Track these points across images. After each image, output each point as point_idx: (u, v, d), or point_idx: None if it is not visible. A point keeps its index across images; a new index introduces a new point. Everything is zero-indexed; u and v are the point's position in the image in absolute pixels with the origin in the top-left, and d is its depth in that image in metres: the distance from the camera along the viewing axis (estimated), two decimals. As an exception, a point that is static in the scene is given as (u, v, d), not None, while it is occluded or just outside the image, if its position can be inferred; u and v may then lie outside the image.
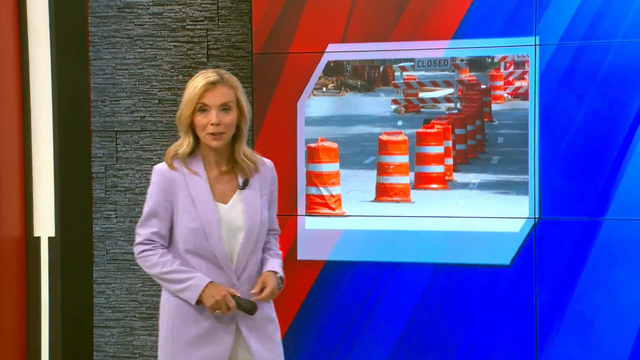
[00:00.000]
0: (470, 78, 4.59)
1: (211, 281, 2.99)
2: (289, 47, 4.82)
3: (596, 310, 4.38)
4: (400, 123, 4.69)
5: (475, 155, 4.58)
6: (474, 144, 4.58)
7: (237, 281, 3.05)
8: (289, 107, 4.84)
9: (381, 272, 4.70)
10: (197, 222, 2.99)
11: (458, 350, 4.57)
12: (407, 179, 4.66)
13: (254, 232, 3.05)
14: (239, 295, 3.02)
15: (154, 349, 5.03)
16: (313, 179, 4.79)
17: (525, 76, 4.48)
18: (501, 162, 4.52)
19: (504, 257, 4.51)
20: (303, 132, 4.82)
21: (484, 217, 4.53)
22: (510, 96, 4.52)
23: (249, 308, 3.03)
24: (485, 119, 4.56)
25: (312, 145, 4.80)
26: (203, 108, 3.00)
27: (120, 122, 5.10)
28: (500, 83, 4.54)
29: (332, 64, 4.77)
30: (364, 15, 4.71)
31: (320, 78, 4.79)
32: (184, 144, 3.05)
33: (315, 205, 4.79)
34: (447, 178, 4.60)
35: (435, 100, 4.67)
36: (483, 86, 4.57)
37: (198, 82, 3.01)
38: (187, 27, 5.05)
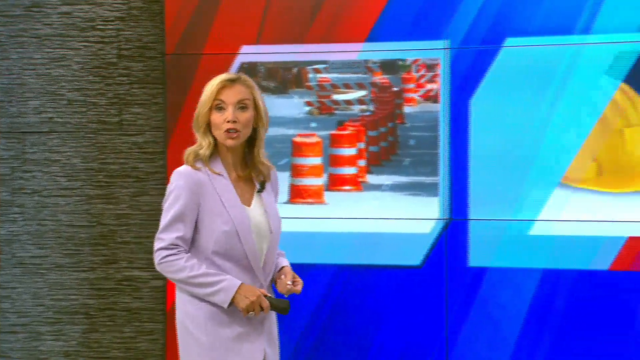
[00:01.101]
0: (383, 80, 4.65)
1: (242, 283, 2.93)
2: (203, 48, 4.79)
3: (503, 310, 4.47)
4: (314, 125, 4.71)
5: (388, 157, 4.63)
6: (387, 145, 4.63)
7: (264, 282, 3.02)
8: (202, 108, 4.80)
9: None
10: (229, 224, 2.94)
11: (370, 350, 4.61)
12: (321, 181, 4.68)
13: (279, 234, 3.07)
14: (270, 295, 2.98)
15: (61, 354, 4.93)
16: (226, 180, 4.77)
17: (437, 79, 4.55)
18: (413, 164, 4.58)
19: (415, 257, 4.56)
20: (216, 134, 4.79)
21: (396, 218, 4.59)
22: (422, 99, 4.59)
23: (284, 307, 2.98)
24: (397, 121, 4.62)
25: (226, 146, 4.78)
26: (220, 106, 2.98)
27: (27, 123, 4.99)
28: (413, 86, 4.61)
29: (245, 66, 4.76)
30: (278, 17, 4.72)
31: (231, 79, 4.77)
32: (204, 145, 3.01)
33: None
34: (360, 180, 4.64)
35: (348, 102, 4.71)
36: (395, 88, 4.63)
37: (215, 80, 3.02)
38: (97, 27, 4.98)
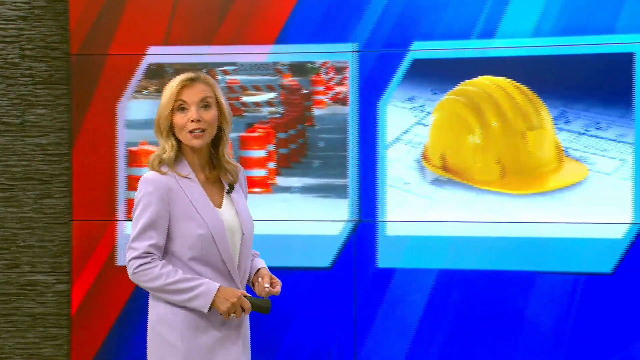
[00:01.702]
0: (293, 83, 4.67)
1: (221, 285, 2.85)
2: (109, 48, 4.73)
3: (411, 309, 4.54)
4: (223, 127, 4.70)
5: (297, 159, 4.65)
6: (297, 148, 4.65)
7: (240, 285, 2.93)
8: (109, 109, 4.74)
9: (204, 276, 4.68)
10: (203, 228, 2.84)
11: (279, 350, 4.62)
12: (230, 183, 4.67)
13: (251, 235, 2.96)
14: (249, 295, 2.89)
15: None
16: (134, 183, 4.71)
17: (345, 81, 4.60)
18: (322, 166, 4.62)
19: (325, 259, 4.60)
20: (124, 136, 4.73)
21: (306, 220, 4.61)
22: (331, 101, 4.63)
23: (265, 307, 2.89)
24: (307, 124, 4.65)
25: (134, 148, 4.73)
26: (182, 106, 2.86)
27: None
28: (322, 88, 4.64)
29: (153, 67, 4.71)
30: (186, 18, 4.69)
31: (141, 81, 4.73)
32: (167, 148, 2.88)
33: (136, 209, 4.71)
34: (270, 182, 4.65)
35: (258, 104, 4.71)
36: (305, 91, 4.66)
37: (174, 81, 2.89)
38: (-2, 26, 4.86)
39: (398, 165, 4.55)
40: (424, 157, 4.54)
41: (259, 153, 4.67)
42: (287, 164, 4.66)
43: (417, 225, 4.51)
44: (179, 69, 4.71)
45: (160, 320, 2.87)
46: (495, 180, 4.46)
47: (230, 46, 4.68)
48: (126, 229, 4.72)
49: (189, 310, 2.84)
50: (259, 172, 4.64)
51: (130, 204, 4.72)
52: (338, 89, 4.61)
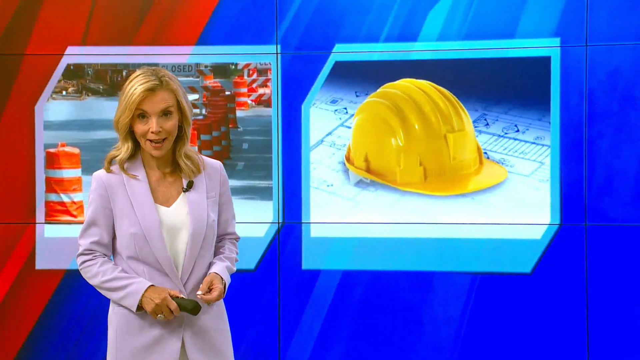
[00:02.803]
0: (215, 84, 4.64)
1: (152, 285, 2.82)
2: (25, 48, 4.62)
3: (334, 308, 4.58)
4: (144, 128, 4.64)
5: (221, 161, 4.60)
6: (220, 150, 4.63)
7: (183, 287, 2.88)
8: (26, 110, 4.64)
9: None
10: (136, 226, 2.83)
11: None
12: (152, 185, 4.63)
13: (199, 235, 2.88)
14: (182, 296, 2.84)
15: None
16: (53, 185, 4.63)
17: (268, 83, 4.59)
18: (246, 168, 4.61)
19: (250, 261, 4.60)
20: (42, 137, 4.64)
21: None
22: (254, 103, 4.62)
23: (191, 308, 2.82)
24: (230, 125, 4.63)
25: (52, 150, 4.64)
26: (142, 114, 2.83)
27: None
28: (244, 90, 4.63)
29: (72, 67, 4.63)
30: (104, 18, 4.62)
31: (59, 81, 4.64)
32: (123, 149, 2.88)
33: (56, 212, 4.63)
34: (192, 184, 4.61)
35: (180, 106, 4.66)
36: (227, 93, 4.63)
37: (135, 88, 2.82)
38: None
39: (322, 167, 4.57)
40: (348, 159, 4.58)
41: (181, 155, 4.63)
42: (210, 166, 4.63)
43: (341, 227, 4.55)
44: (98, 69, 4.64)
45: (109, 319, 2.93)
46: (418, 182, 4.52)
47: (150, 47, 4.62)
48: (45, 232, 4.63)
49: (126, 312, 2.86)
50: (181, 175, 4.60)
51: (48, 206, 4.63)
52: (261, 90, 4.61)
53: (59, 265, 4.65)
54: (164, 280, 2.86)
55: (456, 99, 4.51)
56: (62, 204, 4.63)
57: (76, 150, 4.64)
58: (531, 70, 4.41)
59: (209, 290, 2.87)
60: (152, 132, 2.83)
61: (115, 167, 2.90)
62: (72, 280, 4.64)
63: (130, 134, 2.89)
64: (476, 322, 4.49)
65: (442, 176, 4.51)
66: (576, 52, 4.37)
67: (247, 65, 4.62)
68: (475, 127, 4.50)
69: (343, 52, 4.55)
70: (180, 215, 2.89)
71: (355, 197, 4.57)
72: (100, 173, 2.91)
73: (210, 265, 2.95)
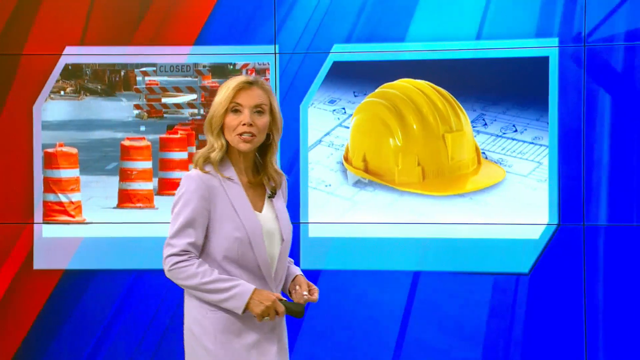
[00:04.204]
0: (213, 84, 4.64)
1: (256, 288, 2.79)
2: (23, 48, 4.62)
3: (333, 308, 4.59)
4: (142, 128, 4.65)
5: (219, 161, 4.62)
6: (218, 150, 4.62)
7: (275, 290, 2.88)
8: (24, 111, 4.64)
9: (125, 280, 4.63)
10: (241, 231, 2.80)
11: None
12: (150, 185, 4.63)
13: (289, 241, 2.91)
14: (284, 299, 2.84)
15: None
16: (51, 185, 4.63)
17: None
18: (244, 168, 4.61)
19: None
20: (40, 137, 4.64)
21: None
22: (252, 103, 4.61)
23: (298, 311, 2.82)
24: (228, 125, 4.62)
25: (50, 150, 4.64)
26: (236, 108, 2.83)
27: None
28: (243, 90, 4.62)
29: (70, 67, 4.63)
30: (103, 18, 4.62)
31: (58, 81, 4.64)
32: (216, 147, 2.83)
33: (54, 212, 4.63)
34: (190, 184, 4.61)
35: (178, 105, 4.67)
36: (226, 93, 4.63)
37: (233, 82, 2.85)
38: None
39: (320, 167, 4.58)
40: (346, 159, 4.58)
41: (179, 155, 4.63)
42: (208, 166, 4.63)
43: (340, 227, 4.55)
44: (96, 69, 4.64)
45: (194, 320, 2.85)
46: (416, 182, 4.52)
47: (149, 47, 4.62)
48: (43, 232, 4.64)
49: (221, 313, 2.82)
50: (179, 174, 4.60)
51: (46, 206, 4.64)
52: (259, 90, 4.60)
53: (57, 265, 4.65)
54: (259, 283, 2.84)
55: (454, 99, 4.51)
56: (60, 204, 4.63)
57: (74, 150, 4.64)
58: (529, 70, 4.42)
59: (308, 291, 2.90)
60: (243, 125, 2.81)
61: (209, 168, 2.84)
62: (70, 280, 4.64)
63: (222, 134, 2.85)
64: (474, 321, 4.49)
65: (440, 176, 4.51)
66: (574, 52, 4.37)
67: (246, 65, 4.63)
68: (474, 127, 4.50)
69: (341, 52, 4.56)
70: (271, 221, 2.88)
71: (353, 197, 4.57)
72: (199, 173, 2.83)
73: (287, 268, 2.96)
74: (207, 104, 4.65)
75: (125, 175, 4.63)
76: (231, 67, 4.63)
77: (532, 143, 4.44)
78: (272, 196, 2.91)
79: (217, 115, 2.85)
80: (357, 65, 4.56)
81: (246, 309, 2.78)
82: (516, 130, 4.46)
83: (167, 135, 4.64)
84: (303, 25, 4.58)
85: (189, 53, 4.62)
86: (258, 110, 2.84)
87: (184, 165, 4.60)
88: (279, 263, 2.89)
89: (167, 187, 4.62)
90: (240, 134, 2.82)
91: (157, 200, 4.63)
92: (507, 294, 4.45)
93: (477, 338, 4.49)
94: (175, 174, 4.62)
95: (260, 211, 2.87)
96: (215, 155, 2.83)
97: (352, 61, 4.55)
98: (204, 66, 4.64)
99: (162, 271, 2.85)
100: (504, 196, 4.46)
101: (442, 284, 4.51)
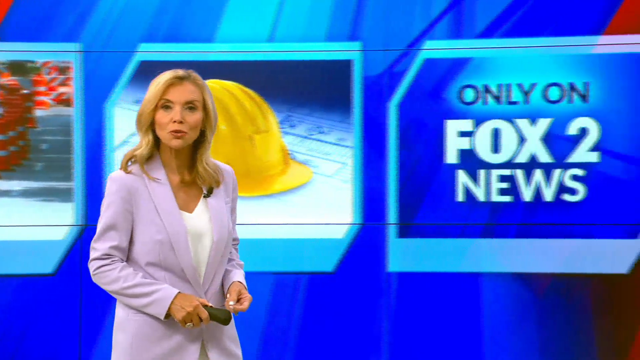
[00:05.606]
0: (12, 82, 4.47)
1: (179, 292, 2.64)
2: None
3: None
4: None
5: (18, 161, 4.46)
6: (17, 150, 4.46)
7: (204, 295, 2.70)
8: None
9: None
10: (162, 233, 2.64)
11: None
12: (-57, 187, 4.41)
13: (223, 243, 2.73)
14: (210, 305, 2.68)
15: None
16: None
17: (70, 82, 4.47)
18: (46, 169, 4.46)
19: (48, 265, 4.46)
20: None
21: (28, 225, 4.44)
22: (54, 102, 4.48)
23: (224, 318, 2.67)
24: (28, 125, 4.47)
25: None
26: (166, 105, 2.65)
27: None
28: (44, 89, 4.48)
29: None
30: None
31: None
32: (143, 144, 2.66)
33: None
34: (-12, 185, 4.44)
35: (-26, 104, 4.47)
36: (26, 91, 4.47)
37: (163, 77, 2.67)
38: None
39: (126, 168, 4.49)
40: (152, 160, 4.52)
41: (-20, 155, 4.45)
42: (7, 166, 4.46)
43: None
44: None
45: (119, 325, 2.73)
46: (224, 183, 4.52)
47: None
48: None
49: (146, 318, 2.70)
50: (-23, 176, 4.42)
51: None
52: (62, 89, 4.47)
53: None
54: (185, 287, 2.71)
55: (263, 100, 4.54)
56: None
57: None
58: (334, 73, 4.51)
59: (238, 299, 2.76)
60: (174, 122, 2.67)
61: (134, 168, 2.70)
62: None
63: (152, 130, 2.71)
64: (279, 322, 4.53)
65: (248, 177, 4.53)
66: (376, 56, 4.50)
67: (47, 63, 4.48)
68: (281, 128, 4.55)
69: (147, 51, 4.50)
70: (203, 222, 2.74)
71: (159, 199, 4.51)
72: (121, 174, 2.70)
73: (226, 273, 2.83)
74: (5, 103, 4.46)
75: None
76: (31, 64, 4.47)
77: (337, 144, 4.54)
78: (207, 195, 2.78)
79: (146, 112, 2.72)
80: (165, 65, 4.47)
81: (168, 314, 2.68)
82: (322, 132, 4.54)
83: (-38, 135, 4.44)
84: (108, 23, 4.49)
85: (-17, 50, 4.44)
86: (190, 106, 2.72)
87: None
88: (209, 266, 2.76)
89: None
90: (172, 131, 2.69)
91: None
92: (313, 292, 4.52)
93: (285, 337, 4.53)
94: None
95: (191, 212, 2.75)
96: (141, 152, 2.70)
97: (160, 61, 4.50)
98: (2, 63, 4.46)
99: None
100: (311, 196, 4.53)
101: (249, 283, 4.52)
